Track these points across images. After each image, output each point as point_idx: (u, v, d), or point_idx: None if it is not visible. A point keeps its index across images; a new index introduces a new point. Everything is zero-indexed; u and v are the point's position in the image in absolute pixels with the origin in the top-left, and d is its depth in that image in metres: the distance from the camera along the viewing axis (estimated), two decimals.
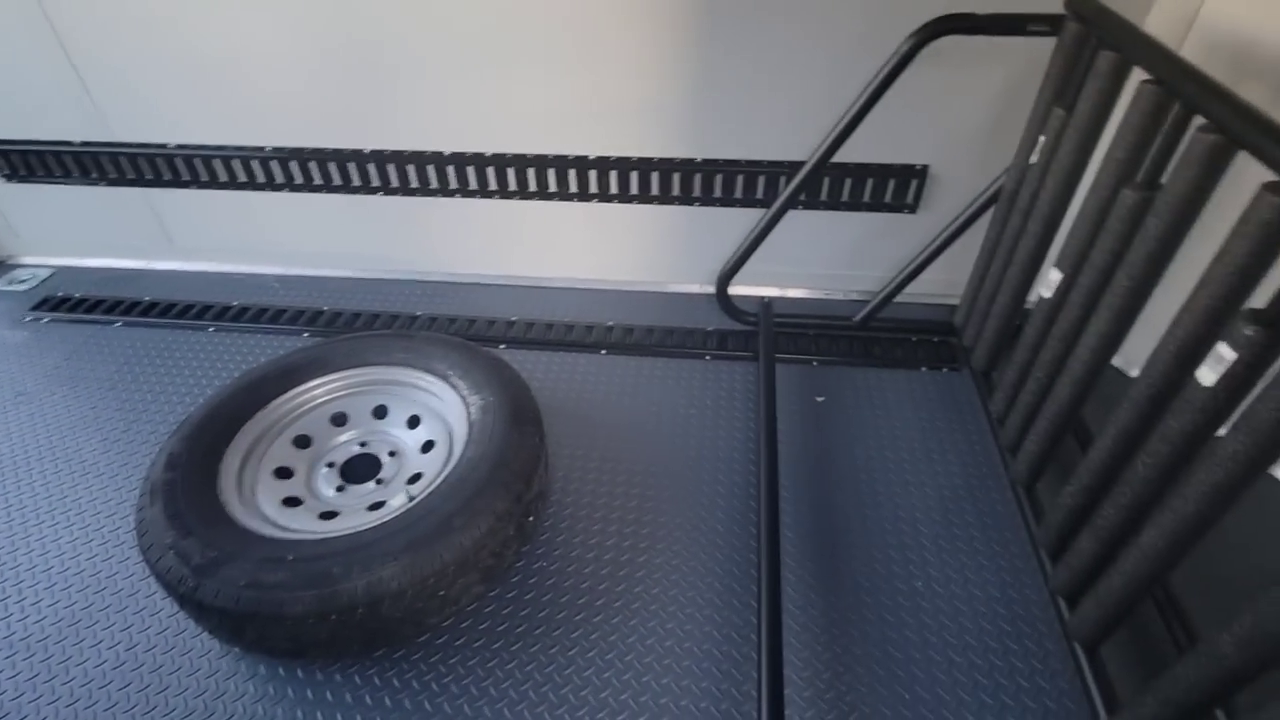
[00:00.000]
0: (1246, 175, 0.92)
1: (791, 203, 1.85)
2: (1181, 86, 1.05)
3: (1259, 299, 0.91)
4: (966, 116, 1.84)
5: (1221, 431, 0.95)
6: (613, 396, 1.93)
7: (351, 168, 2.15)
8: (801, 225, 2.08)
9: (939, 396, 1.91)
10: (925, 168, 1.94)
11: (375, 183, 2.18)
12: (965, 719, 1.26)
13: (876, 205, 2.03)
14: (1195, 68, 1.05)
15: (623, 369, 2.02)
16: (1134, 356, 1.81)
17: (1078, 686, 1.27)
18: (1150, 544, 1.04)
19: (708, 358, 2.04)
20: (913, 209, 2.02)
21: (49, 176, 2.30)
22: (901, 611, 1.42)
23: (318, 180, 2.20)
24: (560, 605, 1.45)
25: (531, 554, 1.54)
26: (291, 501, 1.49)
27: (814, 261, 2.21)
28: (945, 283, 2.13)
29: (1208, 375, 0.94)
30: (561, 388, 1.96)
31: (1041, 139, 1.47)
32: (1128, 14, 1.26)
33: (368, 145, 2.10)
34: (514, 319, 2.21)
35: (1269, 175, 0.87)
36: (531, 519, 1.46)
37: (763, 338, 1.98)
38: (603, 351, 2.08)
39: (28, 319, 2.27)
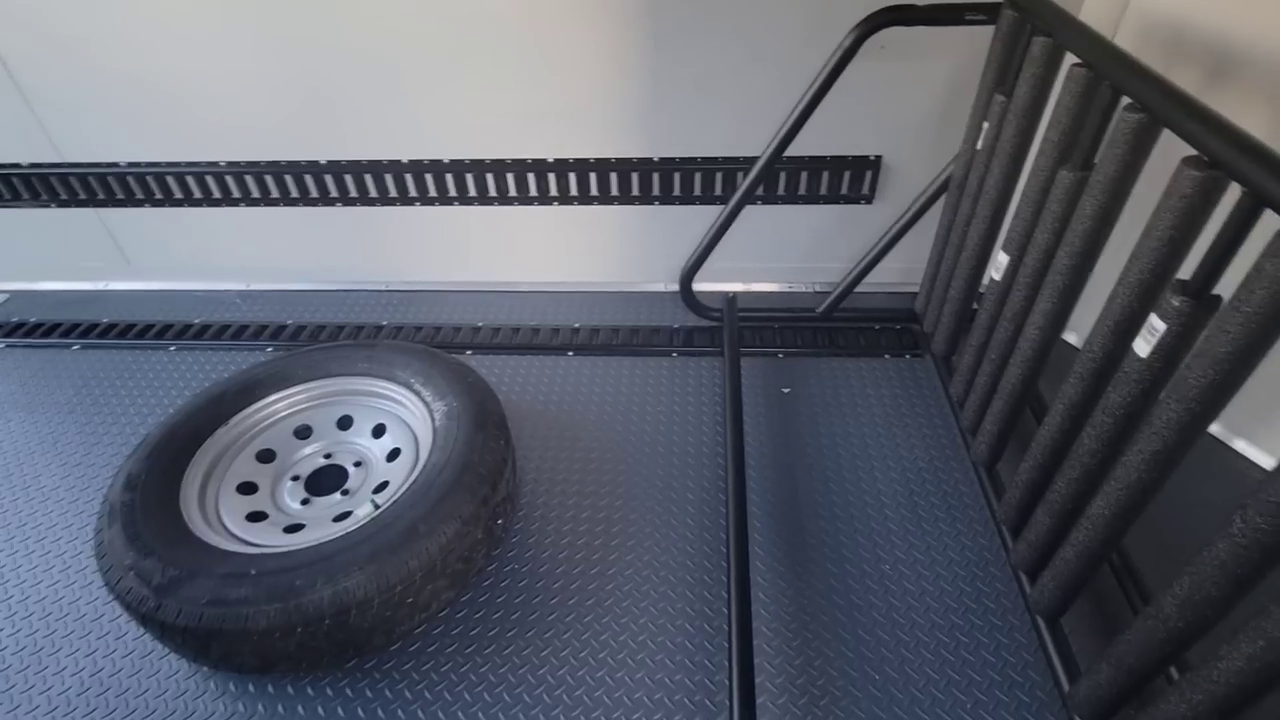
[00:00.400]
0: (1173, 153, 0.96)
1: (748, 198, 1.86)
2: (1108, 69, 1.09)
3: (1186, 271, 0.94)
4: (916, 106, 1.88)
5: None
6: (580, 397, 1.93)
7: (309, 180, 2.14)
8: (762, 220, 2.11)
9: (902, 382, 1.94)
10: (878, 158, 1.97)
11: (333, 194, 2.17)
12: (934, 695, 1.28)
13: (833, 197, 2.06)
14: (1121, 50, 1.09)
15: (590, 370, 2.02)
16: (1085, 332, 1.85)
17: (1041, 659, 1.30)
18: (1099, 514, 1.07)
19: (674, 355, 2.05)
20: (869, 199, 2.05)
21: None
22: (870, 594, 1.44)
23: (275, 194, 2.18)
24: (532, 607, 1.45)
25: (502, 557, 1.54)
26: (256, 516, 1.47)
27: (776, 255, 2.23)
28: (906, 271, 2.16)
29: (1142, 346, 0.97)
30: (529, 391, 1.96)
31: (985, 125, 1.50)
32: (1062, 2, 1.30)
33: (324, 156, 2.09)
34: (479, 324, 2.20)
35: (1190, 151, 0.91)
36: (500, 522, 1.46)
37: (727, 332, 2.00)
38: (569, 353, 2.08)
39: None
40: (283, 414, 1.63)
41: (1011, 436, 1.49)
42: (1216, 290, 0.90)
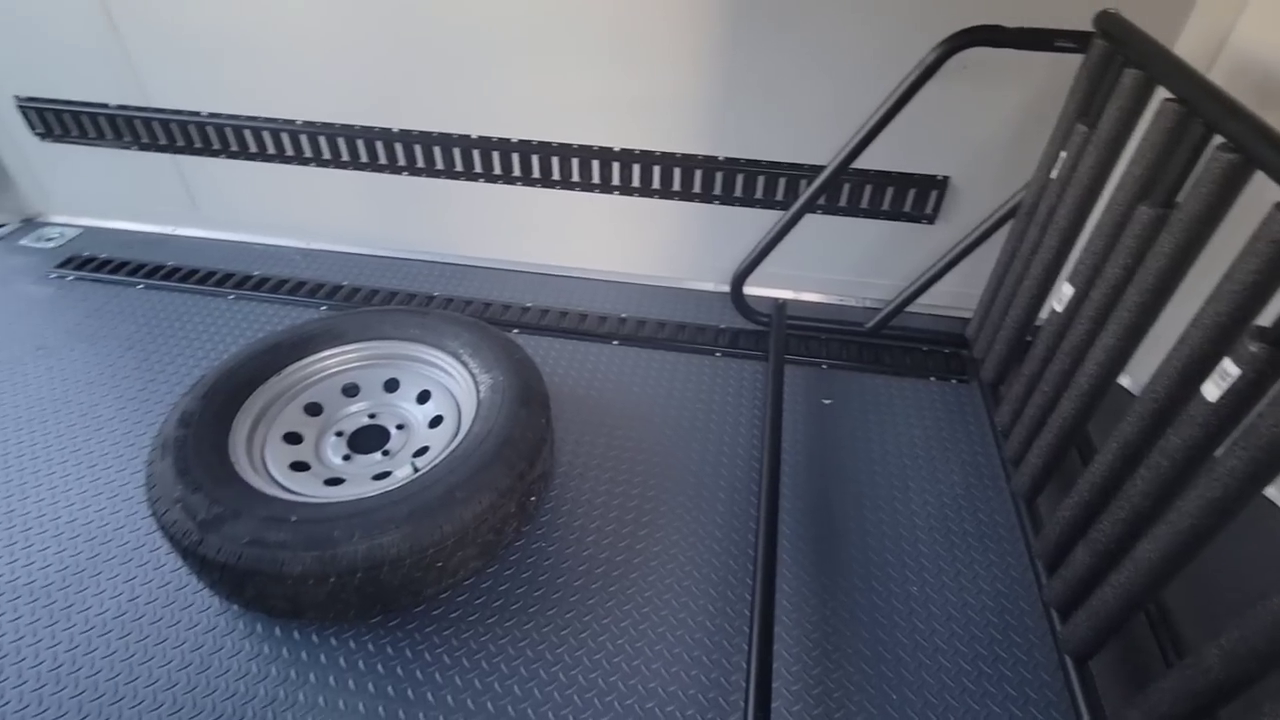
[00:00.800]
0: (1261, 195, 0.93)
1: (810, 206, 1.86)
2: (1203, 106, 1.06)
3: (1266, 317, 0.91)
4: (989, 129, 1.85)
5: (1220, 451, 0.95)
6: (621, 386, 1.95)
7: (378, 145, 2.18)
8: (819, 229, 2.09)
9: (946, 407, 1.91)
10: (946, 179, 1.95)
11: (400, 162, 2.21)
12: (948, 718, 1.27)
13: (895, 214, 2.04)
14: (1218, 88, 1.06)
15: (633, 360, 2.03)
16: (1140, 376, 1.81)
17: (1065, 699, 1.27)
18: (1145, 558, 1.04)
19: (718, 354, 2.05)
20: (931, 219, 2.02)
21: (82, 138, 2.35)
22: (894, 614, 1.43)
23: (345, 156, 2.23)
24: (556, 586, 1.46)
25: (531, 533, 1.56)
26: (299, 466, 1.51)
27: (829, 266, 2.22)
28: (959, 295, 2.13)
29: (1212, 391, 0.94)
30: (571, 374, 1.98)
31: (1063, 154, 1.48)
32: (1157, 34, 1.27)
33: (395, 124, 2.13)
34: (528, 305, 2.23)
35: None
36: (533, 499, 1.48)
37: (774, 338, 1.99)
38: (614, 342, 2.09)
39: (53, 276, 2.32)
40: (333, 370, 1.67)
41: (1056, 472, 1.46)
42: None
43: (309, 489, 1.44)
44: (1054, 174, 1.51)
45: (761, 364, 2.03)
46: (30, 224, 2.59)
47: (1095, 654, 1.22)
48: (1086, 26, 1.44)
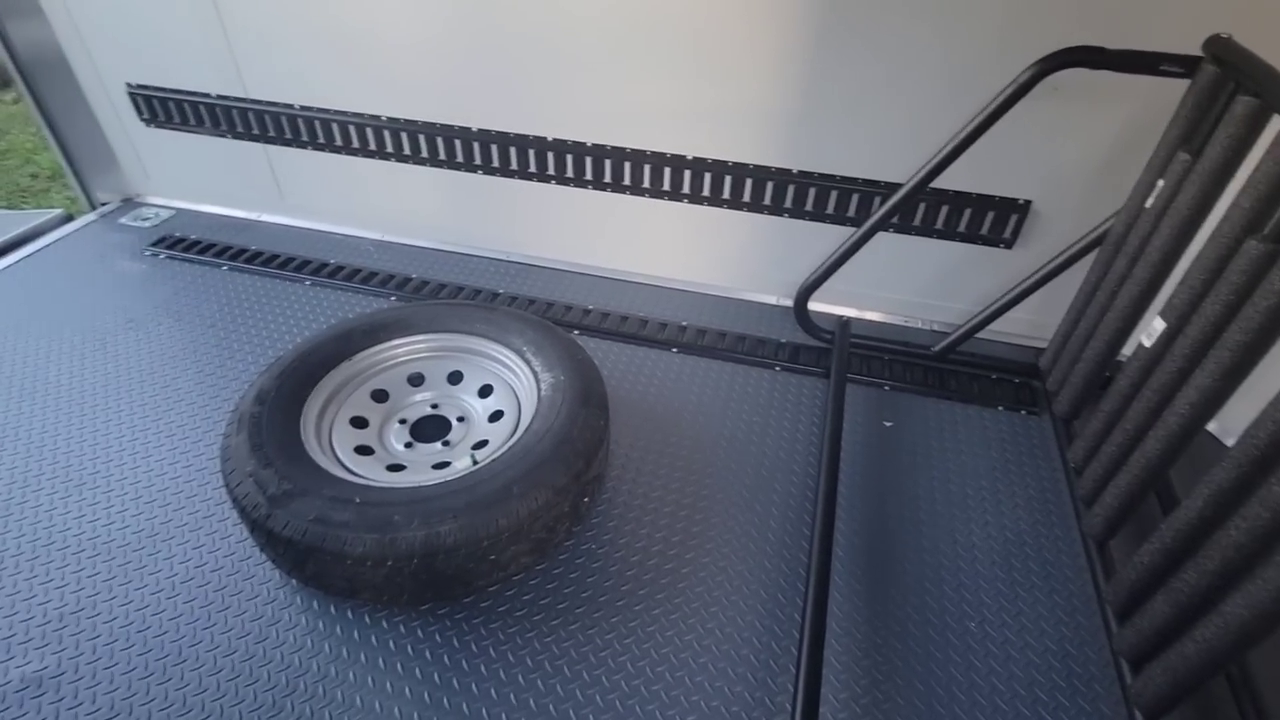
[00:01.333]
0: None
1: (883, 224, 1.82)
2: None
3: None
4: (1077, 154, 1.78)
5: None
6: (679, 394, 1.94)
7: (457, 144, 2.24)
8: (889, 248, 2.05)
9: (1013, 438, 1.84)
10: (1028, 203, 1.88)
11: (476, 161, 2.26)
12: None
13: (971, 236, 1.98)
14: None
15: (692, 369, 2.03)
16: (1228, 423, 1.71)
17: None
18: (1234, 614, 0.98)
19: (778, 369, 2.03)
20: (1009, 244, 1.96)
21: (184, 124, 2.48)
22: (950, 649, 1.38)
23: (424, 153, 2.29)
24: (604, 589, 1.46)
25: (582, 535, 1.56)
26: (363, 450, 1.55)
27: (896, 286, 2.17)
28: (1032, 324, 2.05)
29: None
30: (630, 379, 1.98)
31: (1160, 183, 1.41)
32: (1272, 59, 1.20)
33: (474, 124, 2.19)
34: (590, 307, 2.25)
35: None
36: (587, 500, 1.48)
37: (836, 355, 1.96)
38: (674, 350, 2.09)
39: (147, 253, 2.45)
40: (401, 359, 1.72)
41: (1132, 515, 1.39)
42: None
43: (372, 473, 1.47)
44: (1149, 203, 1.44)
45: (822, 381, 1.99)
46: (130, 204, 2.75)
47: (1169, 712, 1.15)
48: (1190, 50, 1.37)
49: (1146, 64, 1.40)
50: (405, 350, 1.72)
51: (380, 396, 1.67)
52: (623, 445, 1.78)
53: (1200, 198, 1.28)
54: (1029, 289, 1.85)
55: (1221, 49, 1.31)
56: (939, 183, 1.76)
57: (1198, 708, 1.28)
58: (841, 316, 2.19)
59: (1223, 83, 1.28)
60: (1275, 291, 1.02)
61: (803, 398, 1.94)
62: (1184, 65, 1.37)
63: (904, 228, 2.02)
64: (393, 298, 2.27)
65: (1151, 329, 1.37)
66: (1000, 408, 1.92)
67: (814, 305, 2.11)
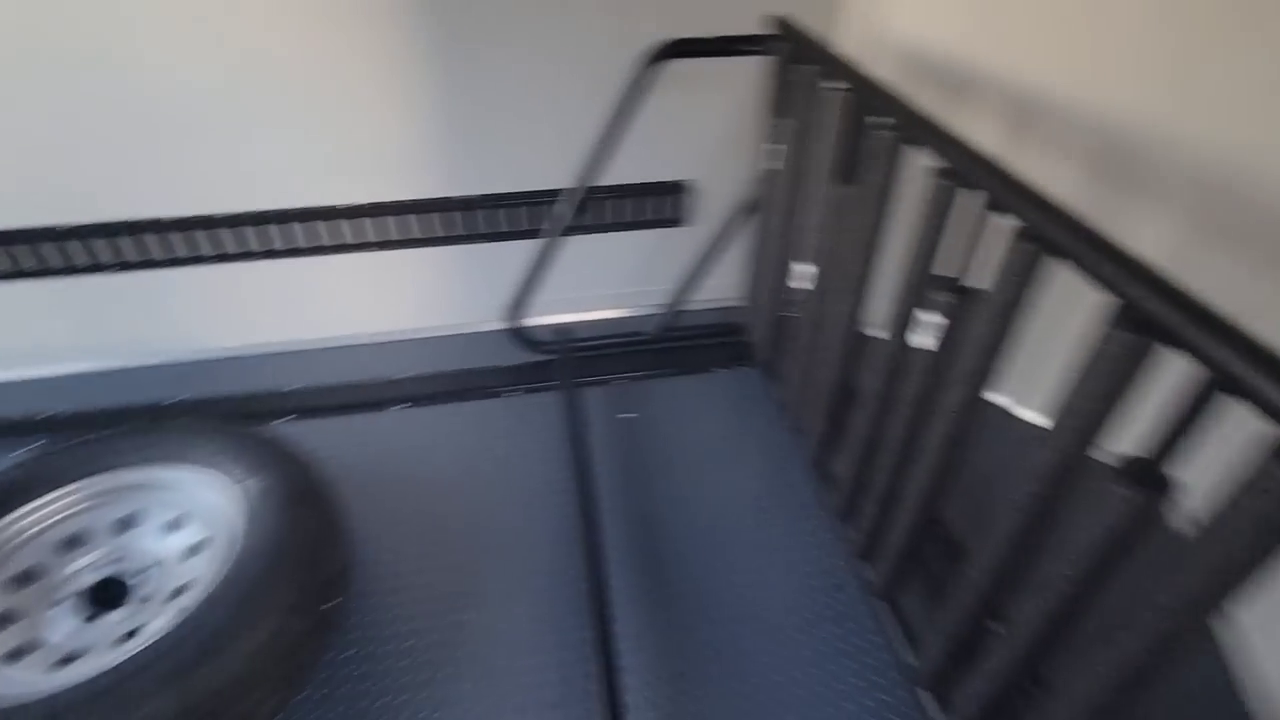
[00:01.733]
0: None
1: (562, 231, 1.86)
2: (863, 93, 1.20)
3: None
4: (717, 132, 1.98)
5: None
6: (415, 450, 1.82)
7: (74, 245, 1.86)
8: (584, 249, 2.11)
9: (739, 393, 2.01)
10: (687, 183, 2.05)
11: (106, 258, 1.90)
12: (794, 676, 1.32)
13: (647, 222, 2.12)
14: (870, 76, 1.20)
15: (422, 420, 1.91)
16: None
17: (878, 630, 1.38)
18: (911, 496, 1.16)
19: (510, 394, 1.99)
20: (679, 222, 2.12)
21: None
22: (724, 606, 1.46)
23: (29, 265, 1.87)
24: (384, 689, 1.32)
25: (342, 642, 1.39)
26: (17, 654, 1.22)
27: (604, 282, 2.25)
28: (733, 286, 2.26)
29: (920, 339, 1.06)
30: (357, 451, 1.81)
31: (775, 147, 1.61)
32: (829, 33, 1.42)
33: (94, 217, 1.83)
34: (296, 388, 2.01)
35: (938, 163, 1.01)
36: (332, 604, 1.32)
37: (561, 365, 1.98)
38: (400, 406, 1.96)
39: None
40: (46, 523, 1.38)
41: (838, 434, 1.58)
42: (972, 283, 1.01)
43: (34, 678, 1.16)
44: (772, 166, 1.64)
45: (557, 394, 2.00)
46: None
47: (897, 591, 1.34)
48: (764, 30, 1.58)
49: (730, 47, 1.58)
50: (47, 511, 1.38)
51: (26, 579, 1.33)
52: (367, 524, 1.62)
53: (799, 156, 1.48)
54: (707, 259, 2.02)
55: (781, 27, 1.53)
56: (606, 180, 1.84)
57: (924, 579, 1.51)
58: (561, 324, 2.22)
59: (790, 55, 1.49)
60: (862, 225, 1.21)
61: (543, 415, 1.92)
62: (759, 44, 1.57)
63: (589, 228, 2.10)
64: (33, 447, 1.82)
65: (804, 272, 1.56)
66: (718, 369, 2.09)
67: (536, 319, 2.11)
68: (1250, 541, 0.59)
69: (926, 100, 1.09)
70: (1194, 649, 0.72)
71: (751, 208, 1.90)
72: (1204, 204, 1.31)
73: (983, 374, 0.95)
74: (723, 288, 2.25)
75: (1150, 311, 0.67)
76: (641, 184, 2.03)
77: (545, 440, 1.84)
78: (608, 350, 2.14)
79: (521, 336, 2.06)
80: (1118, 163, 1.43)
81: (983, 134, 1.02)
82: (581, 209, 1.80)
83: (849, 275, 1.29)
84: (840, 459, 1.48)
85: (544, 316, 2.23)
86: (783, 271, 1.69)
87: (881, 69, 1.77)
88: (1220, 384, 0.64)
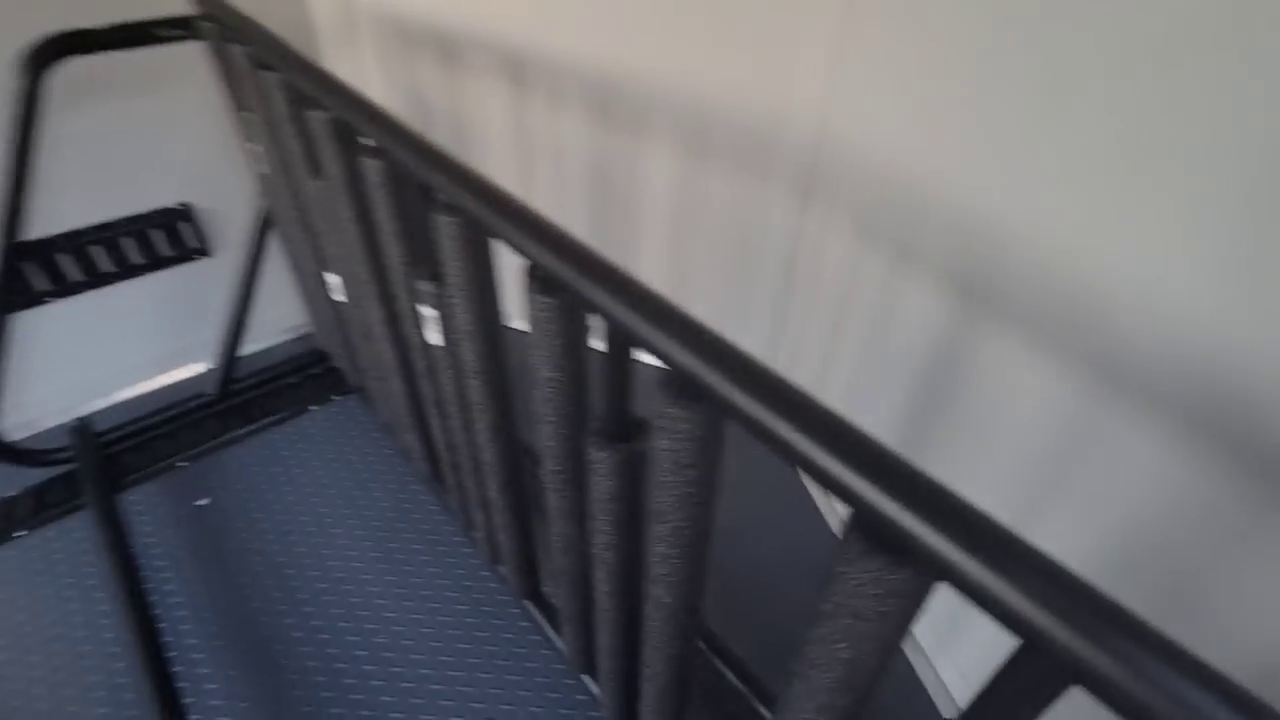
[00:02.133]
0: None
1: (12, 306, 1.39)
2: (292, 75, 1.01)
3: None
4: (193, 138, 1.62)
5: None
6: None
7: None
8: (92, 314, 1.64)
9: (344, 425, 1.77)
10: (187, 206, 1.67)
11: None
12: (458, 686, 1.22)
13: (164, 260, 1.71)
14: (300, 55, 1.02)
15: None
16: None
17: (539, 628, 1.33)
18: (493, 488, 1.07)
19: (18, 537, 1.48)
20: (204, 252, 1.75)
21: None
22: (379, 650, 1.27)
23: None
24: None
25: None
26: None
27: (134, 349, 1.79)
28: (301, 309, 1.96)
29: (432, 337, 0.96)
30: None
31: (254, 146, 1.35)
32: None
33: None
34: None
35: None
36: None
37: (86, 473, 1.52)
38: None
39: None
40: None
41: (431, 444, 1.45)
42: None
43: None
44: (261, 168, 1.38)
45: (87, 513, 1.53)
46: None
47: (537, 589, 1.27)
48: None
49: (144, 35, 1.26)
50: None
51: None
52: None
53: (278, 152, 1.25)
54: (249, 286, 1.70)
55: (211, 6, 1.25)
56: (76, 223, 1.41)
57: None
58: (79, 420, 1.70)
59: (220, 37, 1.24)
60: (341, 219, 1.05)
61: (80, 548, 1.46)
62: (183, 28, 1.28)
63: (78, 285, 1.61)
64: None
65: (335, 283, 1.36)
66: (313, 406, 1.81)
67: (44, 425, 1.59)
68: None
69: (426, 65, 0.95)
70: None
71: (266, 220, 1.62)
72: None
73: (489, 353, 0.87)
74: (291, 315, 1.94)
75: (550, 270, 0.62)
76: (125, 219, 1.60)
77: (84, 580, 1.40)
78: (165, 428, 1.71)
79: (13, 455, 1.54)
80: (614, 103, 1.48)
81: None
82: (52, 269, 1.35)
83: (360, 279, 1.12)
84: (443, 468, 1.35)
85: (63, 411, 1.70)
86: (316, 283, 1.46)
87: (362, 36, 1.62)
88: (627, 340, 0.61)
